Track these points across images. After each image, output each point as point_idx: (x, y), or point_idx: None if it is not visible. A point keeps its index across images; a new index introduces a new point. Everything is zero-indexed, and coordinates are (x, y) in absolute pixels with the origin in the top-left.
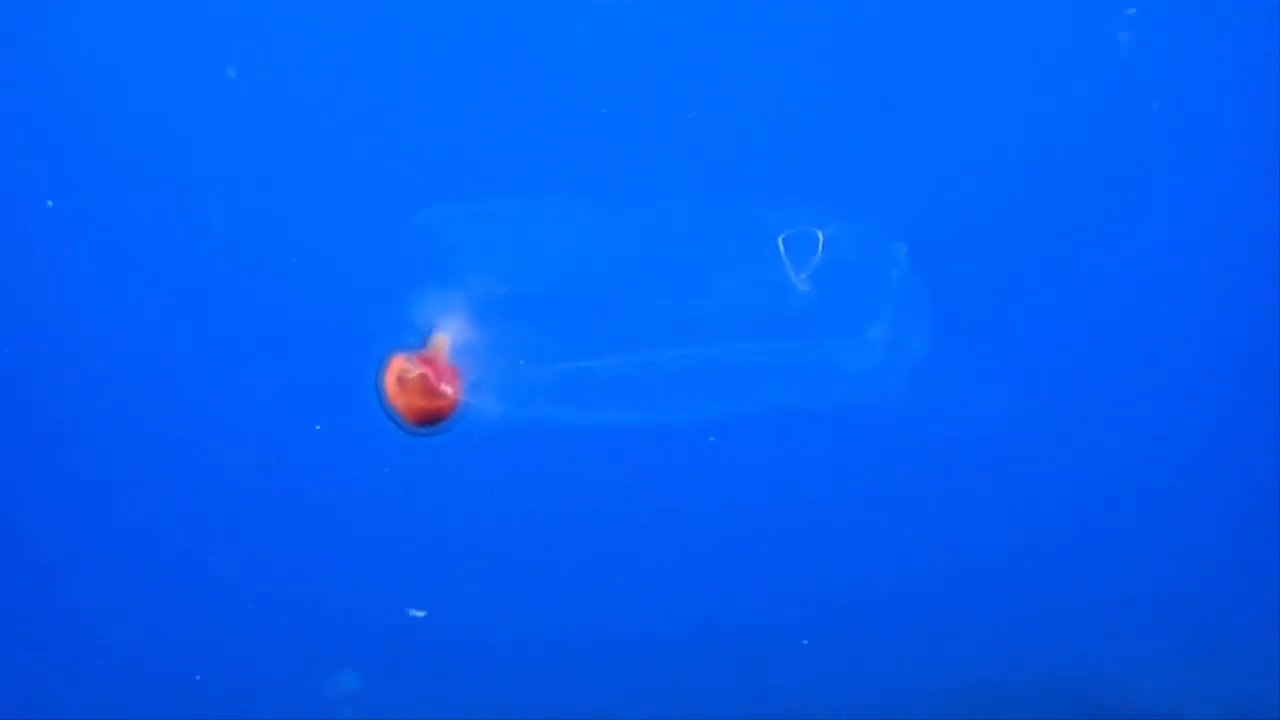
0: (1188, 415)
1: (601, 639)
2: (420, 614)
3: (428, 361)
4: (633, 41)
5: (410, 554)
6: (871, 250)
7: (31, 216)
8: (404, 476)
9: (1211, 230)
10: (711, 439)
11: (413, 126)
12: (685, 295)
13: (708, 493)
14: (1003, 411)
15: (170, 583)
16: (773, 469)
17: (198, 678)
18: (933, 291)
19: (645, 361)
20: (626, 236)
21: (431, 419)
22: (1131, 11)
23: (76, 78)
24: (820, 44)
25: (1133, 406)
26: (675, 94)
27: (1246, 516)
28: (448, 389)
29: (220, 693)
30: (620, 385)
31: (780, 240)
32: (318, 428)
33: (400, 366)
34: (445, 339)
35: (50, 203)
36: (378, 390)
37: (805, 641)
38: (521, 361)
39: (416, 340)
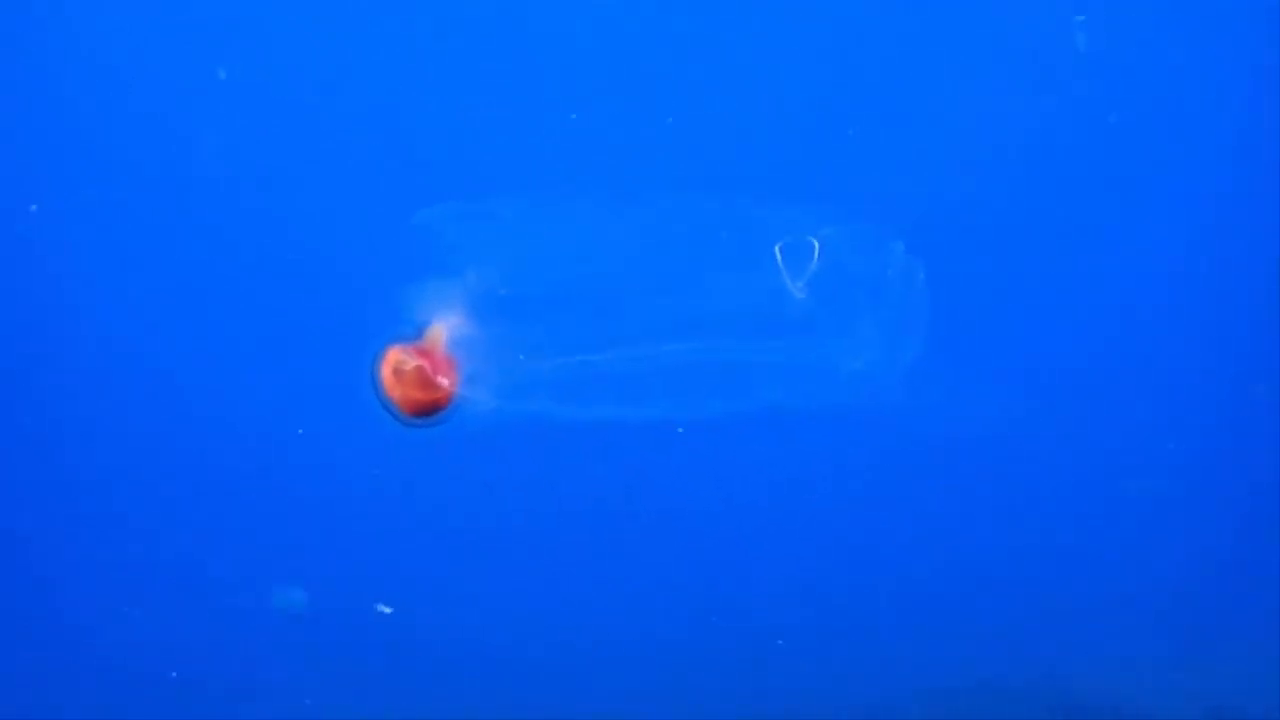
0: (1181, 417)
1: (594, 634)
2: (387, 610)
3: (424, 353)
4: (633, 43)
5: (404, 547)
6: (868, 250)
7: (33, 215)
8: (398, 469)
9: (1210, 230)
10: (680, 430)
11: (414, 125)
12: (682, 294)
13: (701, 490)
14: (996, 412)
15: (166, 580)
16: (768, 467)
17: (194, 677)
18: (929, 291)
19: (641, 357)
20: (624, 236)
21: (428, 410)
22: (1080, 19)
23: (70, 79)
24: (818, 46)
25: (1126, 409)
26: (674, 95)
27: (1232, 519)
28: (444, 381)
29: (219, 692)
30: (616, 381)
31: (777, 248)
32: (300, 431)
33: (397, 358)
34: (442, 331)
35: (34, 207)
36: (374, 382)
37: (780, 642)
38: (521, 357)
39: (413, 332)
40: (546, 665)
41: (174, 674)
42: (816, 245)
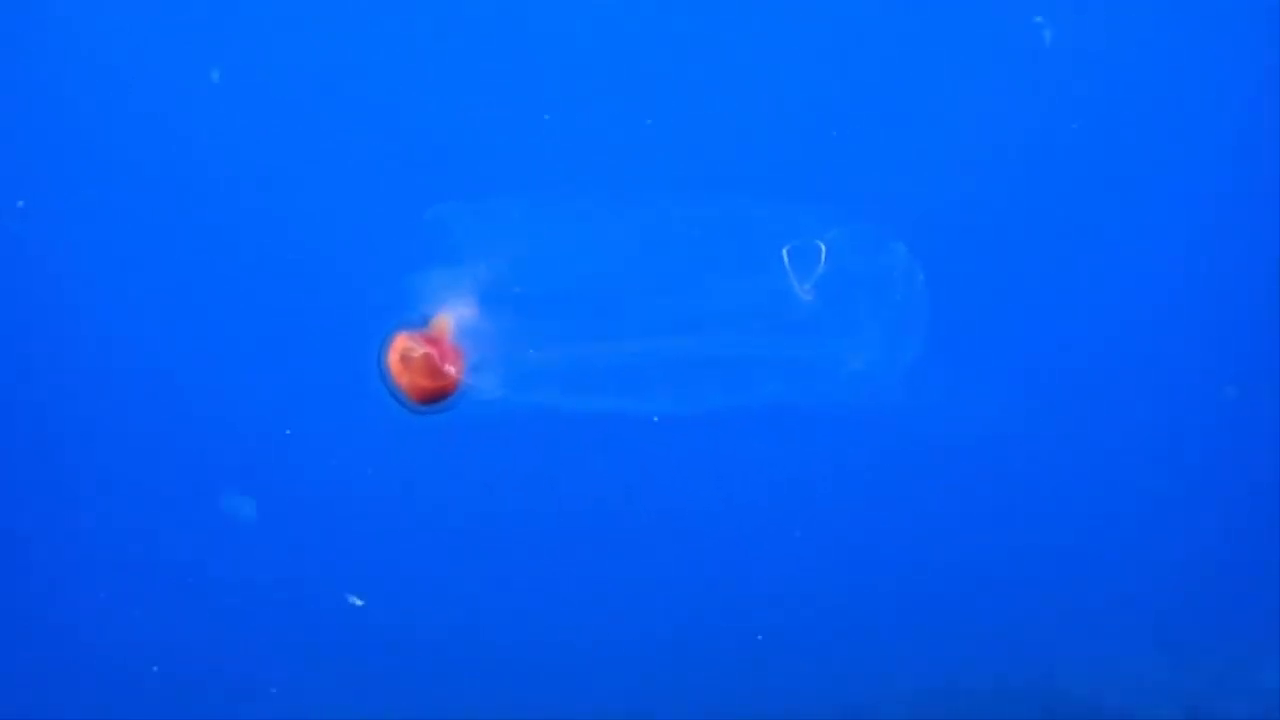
0: (1173, 420)
1: (590, 625)
2: (359, 602)
3: (432, 341)
4: (642, 48)
5: (407, 536)
6: (871, 250)
7: (46, 209)
8: (402, 458)
9: (1210, 231)
10: (655, 419)
11: (429, 122)
12: (686, 290)
13: (700, 485)
14: (990, 413)
15: (167, 577)
16: (766, 463)
17: (195, 677)
18: (931, 292)
19: (644, 351)
20: (631, 233)
21: (434, 398)
22: (1039, 19)
23: (86, 71)
24: (824, 50)
25: (1119, 412)
26: (682, 97)
27: (1221, 522)
28: (451, 369)
29: (219, 690)
30: (619, 374)
31: (785, 252)
32: (287, 432)
33: (404, 345)
34: (448, 319)
35: (21, 203)
36: (380, 368)
37: (760, 637)
38: (531, 351)
39: (419, 320)
40: (544, 655)
41: (175, 671)
42: (823, 249)
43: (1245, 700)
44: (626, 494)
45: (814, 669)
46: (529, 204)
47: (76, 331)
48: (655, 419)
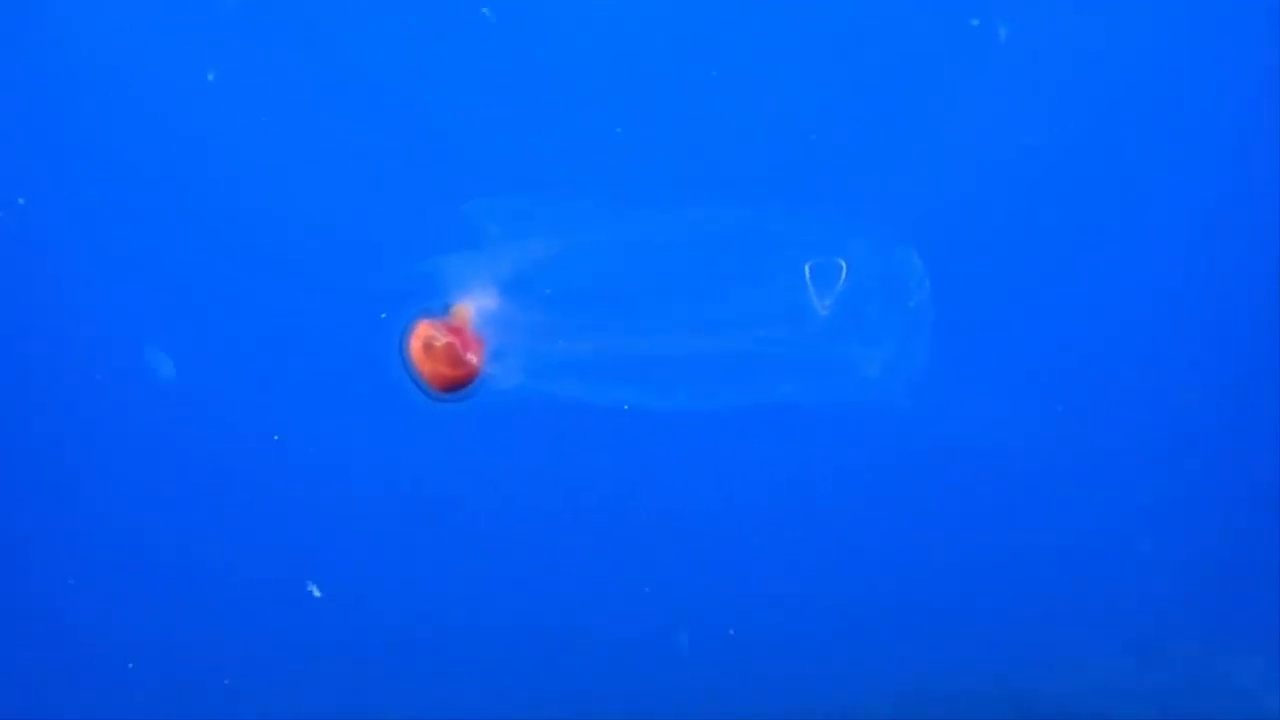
0: (1159, 428)
1: (593, 617)
2: (317, 593)
3: (453, 330)
4: (675, 65)
5: (417, 524)
6: (886, 257)
7: (65, 200)
8: (417, 447)
9: (1212, 233)
10: (626, 407)
11: (461, 117)
12: (706, 291)
13: (708, 479)
14: (985, 421)
15: (172, 572)
16: (772, 462)
17: (196, 673)
18: (942, 297)
19: (662, 347)
20: (655, 234)
21: (454, 386)
22: (975, 23)
23: (109, 65)
24: (850, 68)
25: (1102, 420)
26: (710, 107)
27: (1186, 526)
28: (472, 358)
29: (219, 689)
30: (636, 368)
31: (807, 268)
32: (275, 438)
33: (427, 333)
34: (469, 308)
35: (21, 200)
36: (402, 355)
37: (731, 631)
38: (561, 341)
39: (440, 307)
40: (549, 647)
41: (174, 670)
42: (844, 267)
43: (1218, 702)
44: (636, 487)
45: (791, 670)
46: (555, 201)
47: (94, 320)
48: (625, 407)
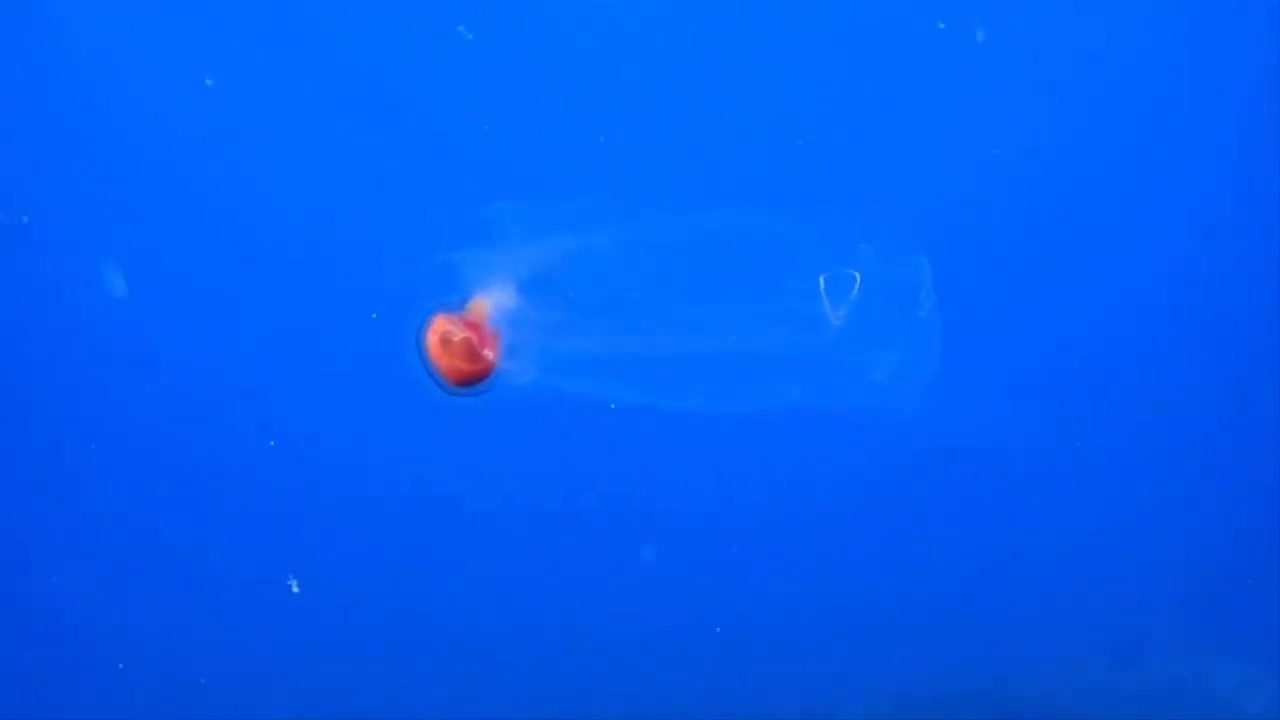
0: (1150, 434)
1: (596, 614)
2: (295, 588)
3: (470, 325)
4: (693, 73)
5: (426, 515)
6: (898, 265)
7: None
8: (430, 441)
9: (1215, 235)
10: (612, 406)
11: (486, 128)
12: (722, 295)
13: (713, 480)
14: (981, 426)
15: (177, 568)
16: (776, 464)
17: (200, 677)
18: (952, 303)
19: (676, 350)
20: (673, 238)
21: (470, 381)
22: (941, 26)
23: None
24: (861, 77)
25: (1091, 429)
26: (724, 118)
27: (1166, 533)
28: (489, 354)
29: (223, 687)
30: (649, 369)
31: (822, 280)
32: (271, 444)
33: (444, 328)
34: (486, 303)
35: (25, 218)
36: (419, 349)
37: (718, 629)
38: (577, 340)
39: (457, 302)
40: (554, 642)
41: (176, 669)
42: (858, 278)
43: (1197, 705)
44: (646, 487)
45: (775, 670)
46: (575, 204)
47: (109, 320)
48: (612, 406)
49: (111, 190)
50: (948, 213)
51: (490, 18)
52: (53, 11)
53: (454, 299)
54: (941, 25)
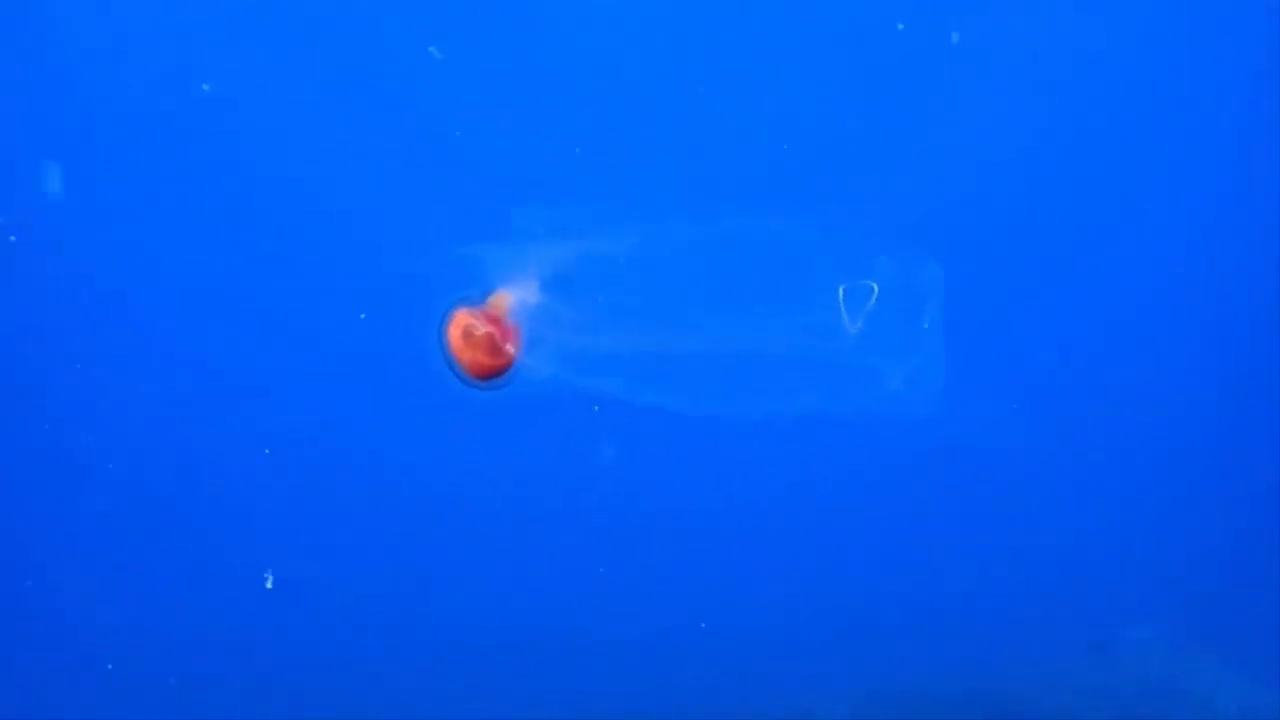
0: (1142, 436)
1: (598, 613)
2: (269, 584)
3: (492, 320)
4: (718, 83)
5: (430, 520)
6: (913, 273)
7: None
8: (449, 434)
9: (1216, 235)
10: (596, 408)
11: (511, 131)
12: (739, 300)
13: (722, 482)
14: (979, 427)
15: (181, 566)
16: (784, 467)
17: (200, 677)
18: (965, 313)
19: (693, 352)
20: (694, 244)
21: (490, 375)
22: (901, 26)
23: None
24: (878, 90)
25: (1084, 431)
26: (747, 126)
27: (1151, 534)
28: (510, 348)
29: (225, 686)
30: (665, 370)
31: (840, 290)
32: (267, 452)
33: (466, 322)
34: (506, 298)
35: (12, 237)
36: (442, 342)
37: (703, 625)
38: (596, 338)
39: (478, 296)
40: (560, 640)
41: (175, 667)
42: (875, 289)
43: (1182, 706)
44: (658, 487)
45: (782, 672)
46: (598, 207)
47: (124, 318)
48: (595, 408)
49: (128, 190)
50: (961, 219)
51: (520, 25)
52: (53, 12)
53: (475, 293)
54: (900, 26)
